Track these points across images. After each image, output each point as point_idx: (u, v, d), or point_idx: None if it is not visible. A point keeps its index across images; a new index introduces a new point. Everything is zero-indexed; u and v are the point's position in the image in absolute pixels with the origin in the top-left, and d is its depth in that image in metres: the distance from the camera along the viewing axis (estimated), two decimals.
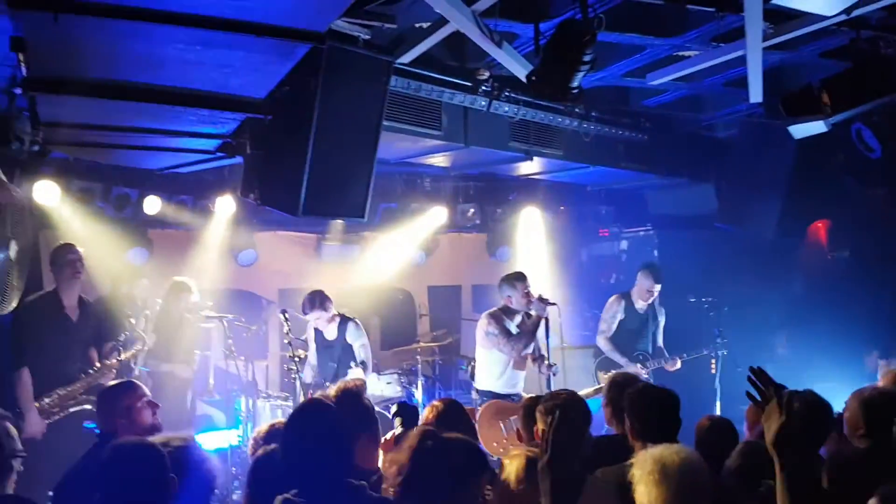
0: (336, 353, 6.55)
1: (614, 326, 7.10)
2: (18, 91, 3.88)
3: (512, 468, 2.92)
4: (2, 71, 3.84)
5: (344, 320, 6.60)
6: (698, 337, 7.21)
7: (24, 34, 3.15)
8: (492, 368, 6.32)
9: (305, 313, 6.46)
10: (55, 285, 5.61)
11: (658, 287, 7.02)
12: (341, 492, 2.66)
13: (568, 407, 3.36)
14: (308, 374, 6.62)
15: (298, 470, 2.68)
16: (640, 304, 7.12)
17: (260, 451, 3.11)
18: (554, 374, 6.13)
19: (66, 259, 5.52)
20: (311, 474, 2.65)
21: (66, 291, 5.56)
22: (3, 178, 4.25)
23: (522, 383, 6.44)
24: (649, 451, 2.74)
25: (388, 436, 3.90)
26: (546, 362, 6.16)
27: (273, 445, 3.13)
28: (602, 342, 7.08)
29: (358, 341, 6.56)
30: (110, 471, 2.65)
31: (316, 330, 6.61)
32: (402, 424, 3.88)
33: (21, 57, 3.40)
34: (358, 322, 6.67)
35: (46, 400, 5.27)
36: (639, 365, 6.86)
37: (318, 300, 6.44)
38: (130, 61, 3.39)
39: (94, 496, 2.80)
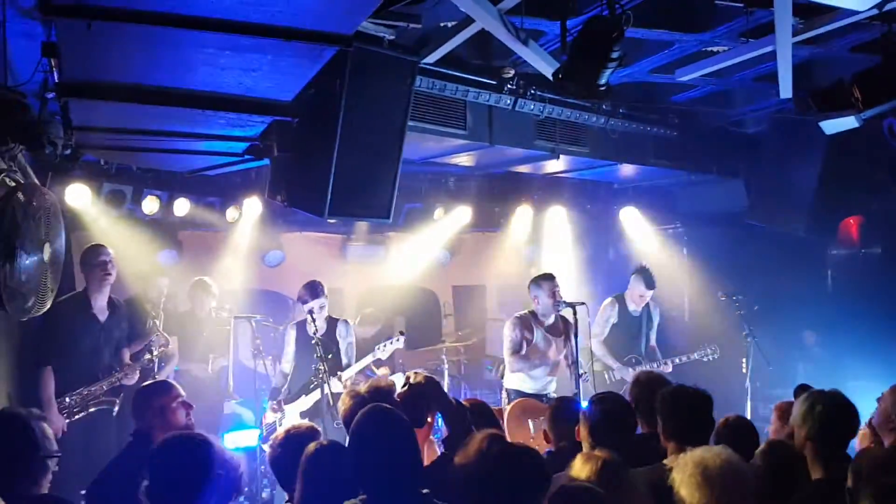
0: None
1: (607, 330, 7.06)
2: (51, 96, 3.93)
3: (584, 472, 2.87)
4: (35, 76, 3.89)
5: (332, 318, 6.35)
6: (727, 334, 7.13)
7: (58, 40, 3.20)
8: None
9: (306, 302, 6.08)
10: (85, 286, 5.69)
11: (650, 293, 7.00)
12: (410, 499, 2.67)
13: None
14: (279, 381, 6.34)
15: (371, 476, 2.68)
16: (634, 307, 7.07)
17: (313, 446, 3.11)
18: (584, 381, 5.96)
19: (97, 261, 5.58)
20: (383, 482, 2.65)
21: (95, 293, 5.62)
22: (36, 181, 4.33)
23: (555, 385, 6.42)
24: (689, 454, 2.75)
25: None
26: (578, 371, 5.98)
27: (325, 440, 3.25)
28: (595, 345, 6.94)
29: (347, 339, 6.31)
30: (159, 459, 2.73)
31: (299, 331, 6.25)
32: (447, 423, 3.83)
33: (53, 62, 3.45)
34: (348, 322, 6.50)
35: (68, 399, 5.35)
36: (630, 370, 6.78)
37: (320, 287, 6.17)
38: (161, 66, 3.42)
39: (129, 495, 2.86)
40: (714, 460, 2.64)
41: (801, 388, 3.76)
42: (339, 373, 6.03)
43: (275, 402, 6.18)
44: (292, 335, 6.31)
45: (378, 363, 6.78)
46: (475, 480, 2.66)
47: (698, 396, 3.48)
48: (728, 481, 2.59)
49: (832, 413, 3.15)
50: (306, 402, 6.14)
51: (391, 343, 6.34)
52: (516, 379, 6.36)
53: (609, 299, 7.18)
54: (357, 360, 6.30)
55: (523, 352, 6.24)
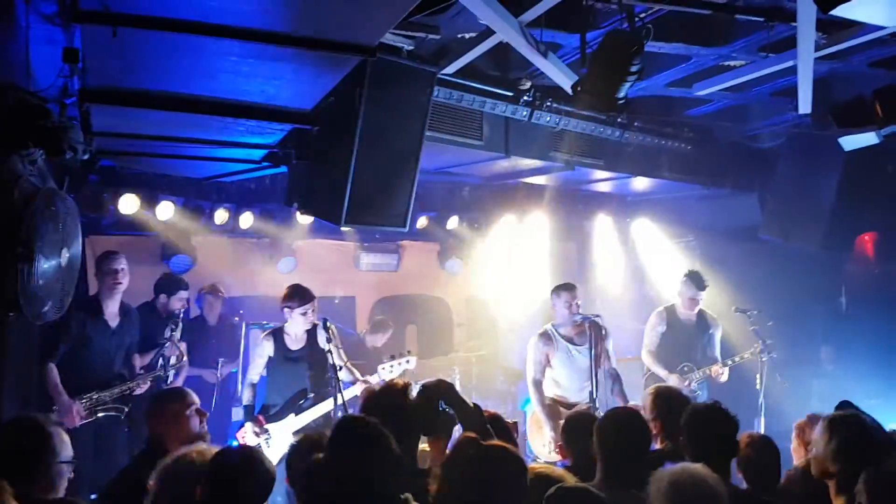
0: (304, 367, 5.79)
1: (656, 340, 6.89)
2: (71, 101, 3.96)
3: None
4: (56, 81, 3.92)
5: (313, 326, 5.83)
6: (741, 350, 7.08)
7: (82, 46, 3.22)
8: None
9: (295, 308, 5.67)
10: (97, 291, 5.71)
11: (702, 295, 6.78)
12: None
13: None
14: (248, 397, 5.84)
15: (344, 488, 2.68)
16: (686, 314, 6.87)
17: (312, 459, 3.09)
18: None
19: (109, 268, 5.59)
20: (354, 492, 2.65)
21: (107, 299, 5.63)
22: (54, 185, 4.35)
23: (586, 392, 6.10)
24: (667, 468, 2.76)
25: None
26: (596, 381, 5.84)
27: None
28: (645, 356, 6.87)
29: (332, 342, 5.60)
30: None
31: (277, 341, 5.80)
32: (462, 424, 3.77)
33: (75, 68, 3.47)
34: (326, 320, 5.67)
35: (77, 404, 5.33)
36: (678, 376, 6.61)
37: (309, 292, 5.78)
38: (184, 74, 3.44)
39: (141, 502, 2.86)
40: (687, 477, 2.65)
41: (845, 405, 3.70)
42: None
43: (254, 423, 5.69)
44: (268, 346, 5.81)
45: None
46: (454, 481, 2.69)
47: (727, 419, 3.44)
48: (697, 499, 2.60)
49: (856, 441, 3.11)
50: (299, 420, 5.73)
51: (398, 364, 5.88)
52: (547, 386, 6.30)
53: (658, 309, 7.05)
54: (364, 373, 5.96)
55: (542, 378, 6.20)
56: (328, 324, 5.55)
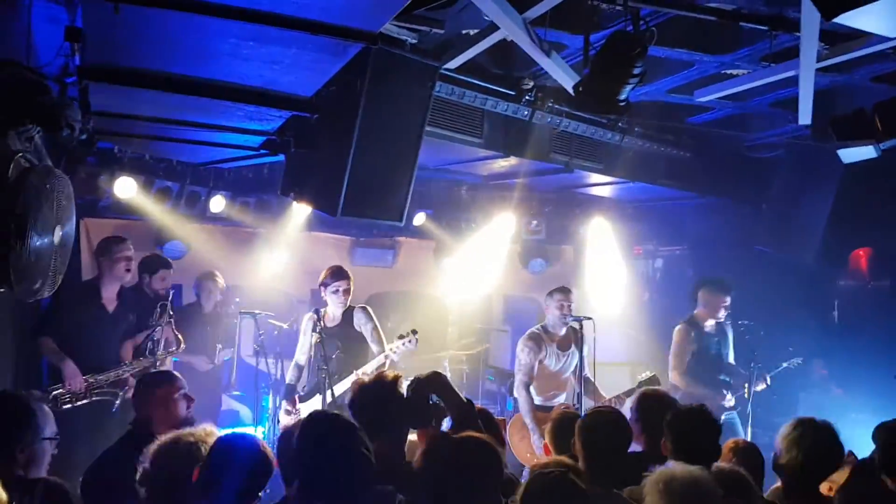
0: (340, 342, 5.88)
1: (687, 359, 6.45)
2: (71, 80, 3.94)
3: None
4: (57, 60, 3.90)
5: (349, 307, 6.00)
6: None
7: (83, 23, 3.20)
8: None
9: (329, 285, 5.86)
10: (96, 274, 5.68)
11: (728, 298, 6.57)
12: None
13: None
14: (293, 376, 6.07)
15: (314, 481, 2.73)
16: (709, 324, 6.60)
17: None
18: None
19: (122, 255, 5.58)
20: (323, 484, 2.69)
21: (107, 283, 5.62)
22: (51, 164, 4.33)
23: (563, 398, 6.36)
24: (664, 468, 2.81)
25: None
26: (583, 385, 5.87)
27: None
28: (677, 379, 6.41)
29: (368, 325, 5.95)
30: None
31: (317, 321, 5.80)
32: (452, 416, 3.76)
33: (75, 46, 3.46)
34: (366, 307, 6.09)
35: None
36: (727, 394, 6.34)
37: (343, 271, 5.96)
38: (184, 54, 3.43)
39: (125, 482, 2.85)
40: (682, 475, 2.68)
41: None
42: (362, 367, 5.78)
43: (289, 402, 5.90)
44: (309, 325, 5.96)
45: None
46: (431, 473, 2.77)
47: (710, 422, 3.46)
48: (691, 497, 2.62)
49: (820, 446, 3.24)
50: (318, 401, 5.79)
51: (403, 345, 5.90)
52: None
53: (681, 326, 6.57)
54: None
55: (533, 379, 6.16)
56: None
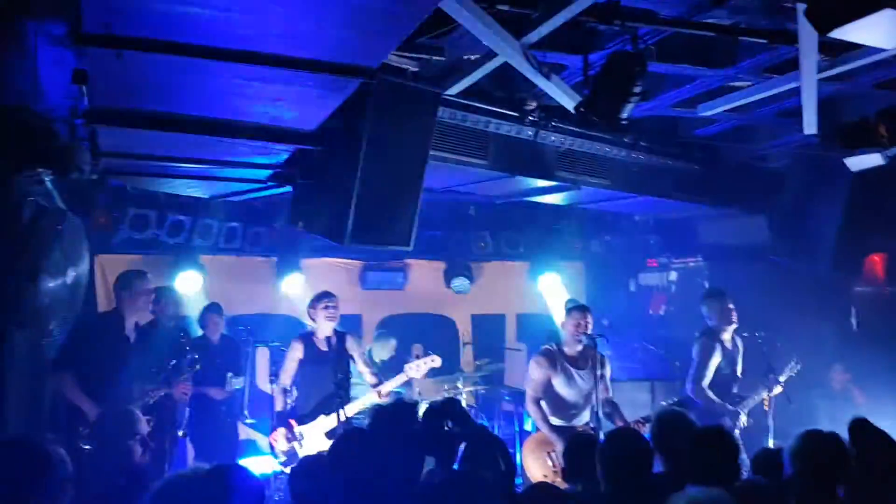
0: (332, 366, 5.88)
1: (711, 373, 6.30)
2: (79, 122, 4.01)
3: None
4: (64, 102, 3.97)
5: (339, 332, 6.13)
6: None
7: (88, 68, 3.26)
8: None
9: (317, 306, 6.05)
10: (116, 306, 5.74)
11: (731, 303, 6.48)
12: None
13: None
14: (281, 403, 6.10)
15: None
16: (727, 336, 6.47)
17: None
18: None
19: (144, 289, 5.67)
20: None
21: (131, 315, 5.68)
22: (62, 206, 4.40)
23: (586, 416, 6.03)
24: (686, 491, 2.78)
25: None
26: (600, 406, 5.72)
27: None
28: (699, 393, 6.24)
29: (359, 350, 6.16)
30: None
31: (307, 344, 6.07)
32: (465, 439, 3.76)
33: (83, 89, 3.52)
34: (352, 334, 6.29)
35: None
36: (742, 413, 6.21)
37: (328, 292, 6.16)
38: (190, 95, 3.49)
39: None
40: (705, 500, 2.65)
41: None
42: (378, 388, 5.95)
43: (285, 428, 5.93)
44: (298, 348, 6.07)
45: None
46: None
47: (730, 443, 3.45)
48: None
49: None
50: (329, 420, 5.85)
51: (424, 363, 5.91)
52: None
53: (704, 339, 6.39)
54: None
55: (542, 398, 6.03)
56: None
